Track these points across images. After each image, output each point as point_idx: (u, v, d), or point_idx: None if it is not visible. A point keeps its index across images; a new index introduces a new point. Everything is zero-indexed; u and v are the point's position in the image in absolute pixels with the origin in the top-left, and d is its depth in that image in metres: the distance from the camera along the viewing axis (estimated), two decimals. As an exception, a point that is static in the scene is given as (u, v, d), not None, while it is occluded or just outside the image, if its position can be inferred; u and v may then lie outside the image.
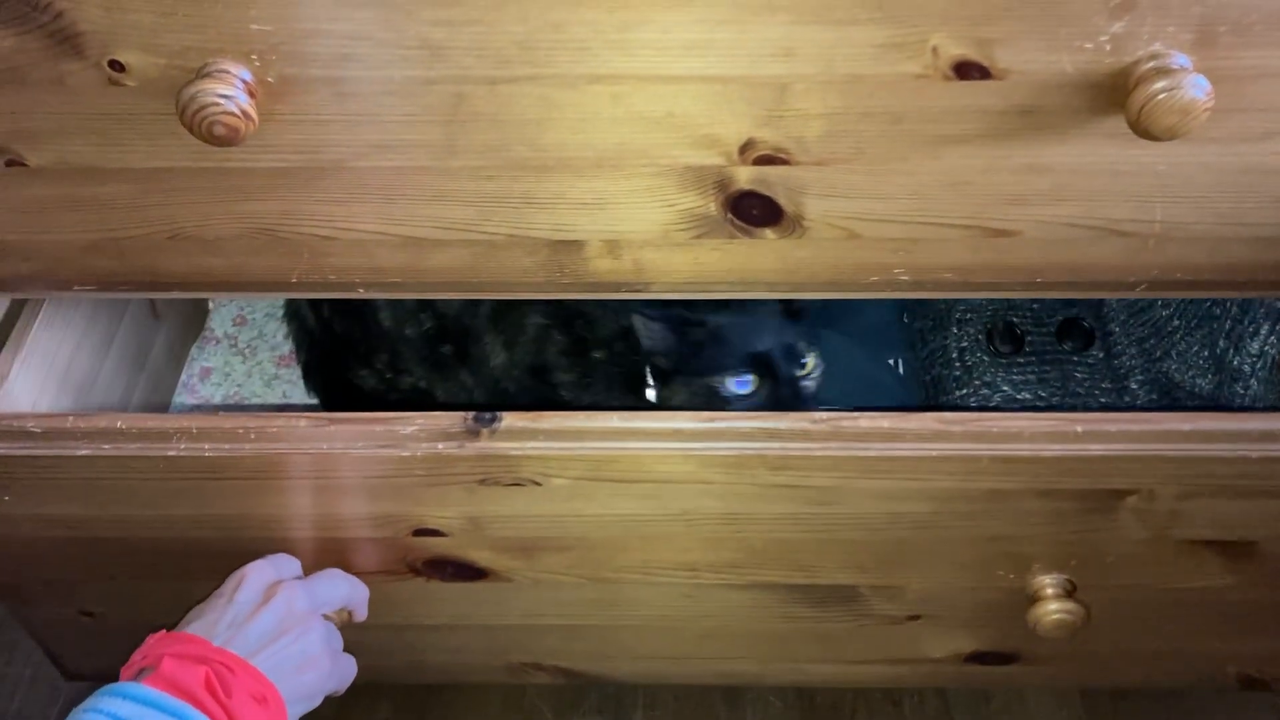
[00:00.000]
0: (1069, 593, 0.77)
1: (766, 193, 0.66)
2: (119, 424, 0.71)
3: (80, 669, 0.93)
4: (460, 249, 0.70)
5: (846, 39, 0.58)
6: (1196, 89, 0.56)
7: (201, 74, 0.59)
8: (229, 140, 0.59)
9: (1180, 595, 0.79)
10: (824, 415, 0.70)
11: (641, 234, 0.68)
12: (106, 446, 0.71)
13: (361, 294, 0.73)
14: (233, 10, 0.58)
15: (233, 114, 0.58)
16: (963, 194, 0.65)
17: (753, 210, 0.67)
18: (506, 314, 0.93)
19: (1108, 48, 0.58)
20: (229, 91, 0.58)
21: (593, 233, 0.69)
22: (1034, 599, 0.77)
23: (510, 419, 0.70)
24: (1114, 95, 0.59)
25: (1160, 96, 0.56)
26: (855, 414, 0.70)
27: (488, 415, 0.70)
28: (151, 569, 0.80)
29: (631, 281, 0.72)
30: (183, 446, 0.71)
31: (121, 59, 0.60)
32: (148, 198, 0.67)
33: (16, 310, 0.84)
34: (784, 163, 0.64)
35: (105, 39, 0.59)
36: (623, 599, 0.81)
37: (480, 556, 0.77)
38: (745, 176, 0.65)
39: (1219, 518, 0.73)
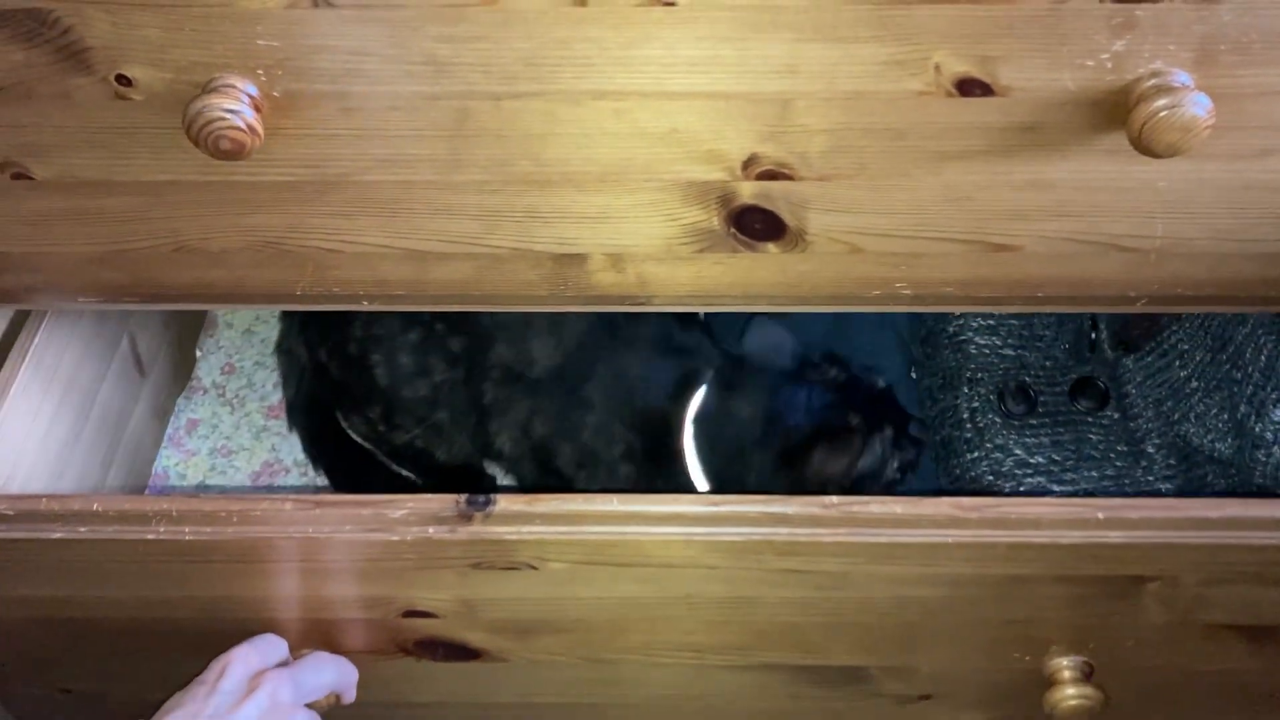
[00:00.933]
0: (1087, 675, 0.74)
1: (769, 207, 0.66)
2: (95, 506, 0.68)
3: (57, 748, 0.91)
4: (464, 262, 0.70)
5: (849, 56, 0.59)
6: (1197, 106, 0.56)
7: (208, 89, 0.59)
8: (235, 154, 0.59)
9: (1202, 678, 0.77)
10: (835, 500, 0.68)
11: (645, 248, 0.69)
12: (82, 529, 0.68)
13: (365, 306, 0.73)
14: (240, 26, 0.58)
15: (239, 128, 0.58)
16: (964, 209, 0.66)
17: (755, 224, 0.67)
18: (509, 408, 0.90)
19: (1109, 65, 0.58)
20: (235, 106, 0.58)
21: (596, 246, 0.69)
22: (1050, 681, 0.75)
23: (505, 502, 0.68)
24: (1115, 112, 0.59)
25: (1162, 114, 0.56)
26: (866, 498, 0.68)
27: (481, 498, 0.68)
28: (131, 648, 0.78)
29: (635, 295, 0.72)
30: (162, 530, 0.68)
31: (129, 73, 0.60)
32: (153, 211, 0.68)
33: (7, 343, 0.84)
34: (787, 178, 0.64)
35: (113, 54, 0.59)
36: (623, 679, 0.79)
37: (473, 638, 0.75)
38: (748, 191, 0.65)
39: (1245, 603, 0.71)
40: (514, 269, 0.70)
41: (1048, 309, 0.72)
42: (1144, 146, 0.57)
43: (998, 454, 0.92)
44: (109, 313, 0.94)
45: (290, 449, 1.07)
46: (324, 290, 0.72)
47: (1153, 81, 0.58)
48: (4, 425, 0.80)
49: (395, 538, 0.68)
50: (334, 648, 0.76)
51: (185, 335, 1.13)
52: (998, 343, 0.96)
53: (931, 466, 0.97)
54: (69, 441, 0.90)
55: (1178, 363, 0.90)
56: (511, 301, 0.73)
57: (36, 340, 0.83)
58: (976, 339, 0.96)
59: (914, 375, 1.01)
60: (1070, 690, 0.74)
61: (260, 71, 0.60)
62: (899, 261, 0.69)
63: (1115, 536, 0.67)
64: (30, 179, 0.66)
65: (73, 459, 0.90)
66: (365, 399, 0.96)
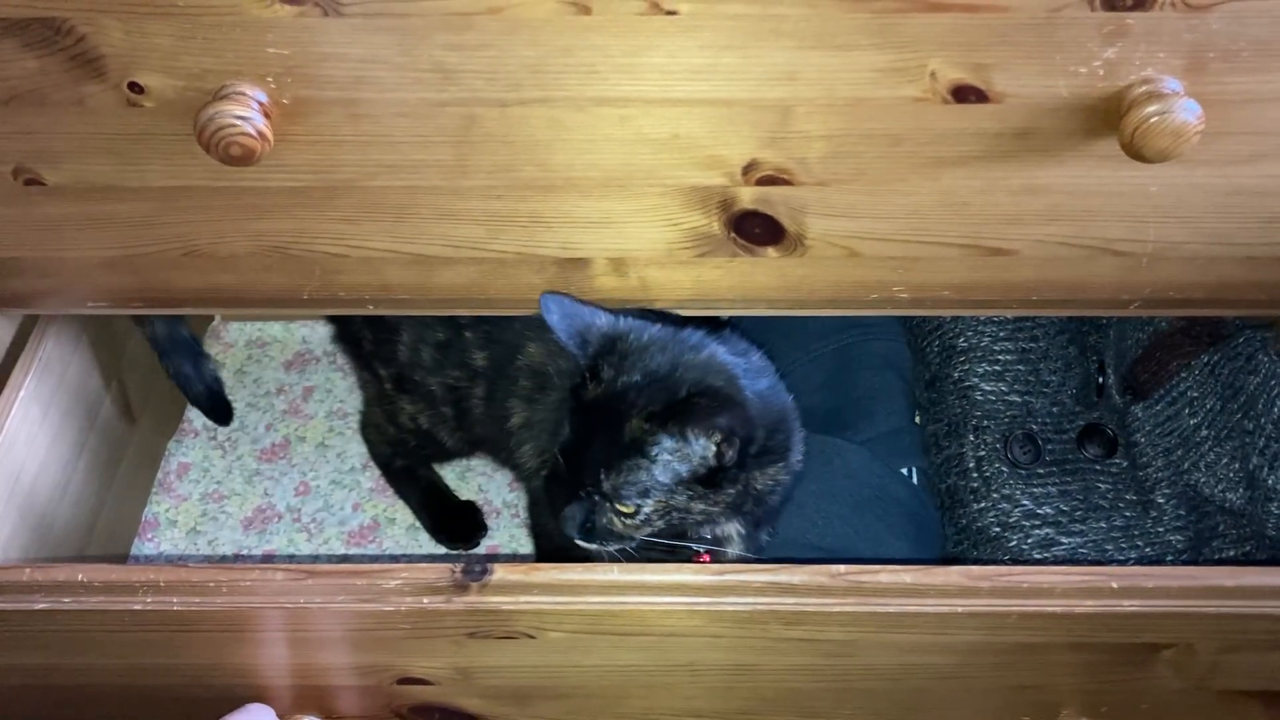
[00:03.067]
0: None
1: (769, 212, 0.67)
2: (80, 576, 0.66)
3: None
4: (469, 267, 0.71)
5: (848, 63, 0.60)
6: (1187, 112, 0.57)
7: (219, 96, 0.60)
8: (245, 160, 0.60)
9: None
10: (842, 569, 0.66)
11: (646, 252, 0.70)
12: (66, 600, 0.66)
13: (371, 310, 0.74)
14: (250, 34, 0.59)
15: (249, 135, 0.60)
16: (960, 214, 0.67)
17: (755, 229, 0.68)
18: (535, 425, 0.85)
19: (1101, 73, 0.59)
20: (245, 113, 0.60)
21: (599, 251, 0.70)
22: None
23: (502, 571, 0.66)
24: (1107, 119, 0.61)
25: (1152, 120, 0.57)
26: (875, 568, 0.66)
27: (477, 568, 0.66)
28: (118, 714, 0.76)
29: (636, 299, 0.73)
30: (149, 600, 0.66)
31: (141, 81, 0.61)
32: (163, 216, 0.69)
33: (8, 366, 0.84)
34: (786, 183, 0.66)
35: (125, 62, 0.61)
36: None
37: (470, 704, 0.74)
38: (748, 196, 0.67)
39: (1263, 669, 0.69)
40: (518, 273, 0.71)
41: (1043, 312, 0.73)
42: (1135, 152, 0.59)
43: (1005, 504, 0.90)
44: (105, 338, 0.94)
45: (283, 493, 1.07)
46: (330, 295, 0.73)
47: (1144, 88, 0.59)
48: (11, 429, 0.81)
49: (389, 608, 0.67)
50: (327, 713, 0.75)
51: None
52: (1004, 389, 0.94)
53: (937, 517, 0.95)
54: (76, 449, 0.90)
55: (1187, 410, 0.88)
56: (515, 305, 0.74)
57: (45, 346, 0.84)
58: (982, 385, 0.94)
59: (918, 420, 0.99)
60: (1081, 757, 0.71)
61: (270, 79, 0.61)
62: (896, 265, 0.70)
63: (1130, 605, 0.65)
64: (43, 185, 0.67)
65: (78, 466, 0.91)
66: (383, 359, 0.94)
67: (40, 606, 0.67)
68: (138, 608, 0.67)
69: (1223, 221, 0.67)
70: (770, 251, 0.70)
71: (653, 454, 0.69)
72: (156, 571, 0.67)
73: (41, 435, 0.85)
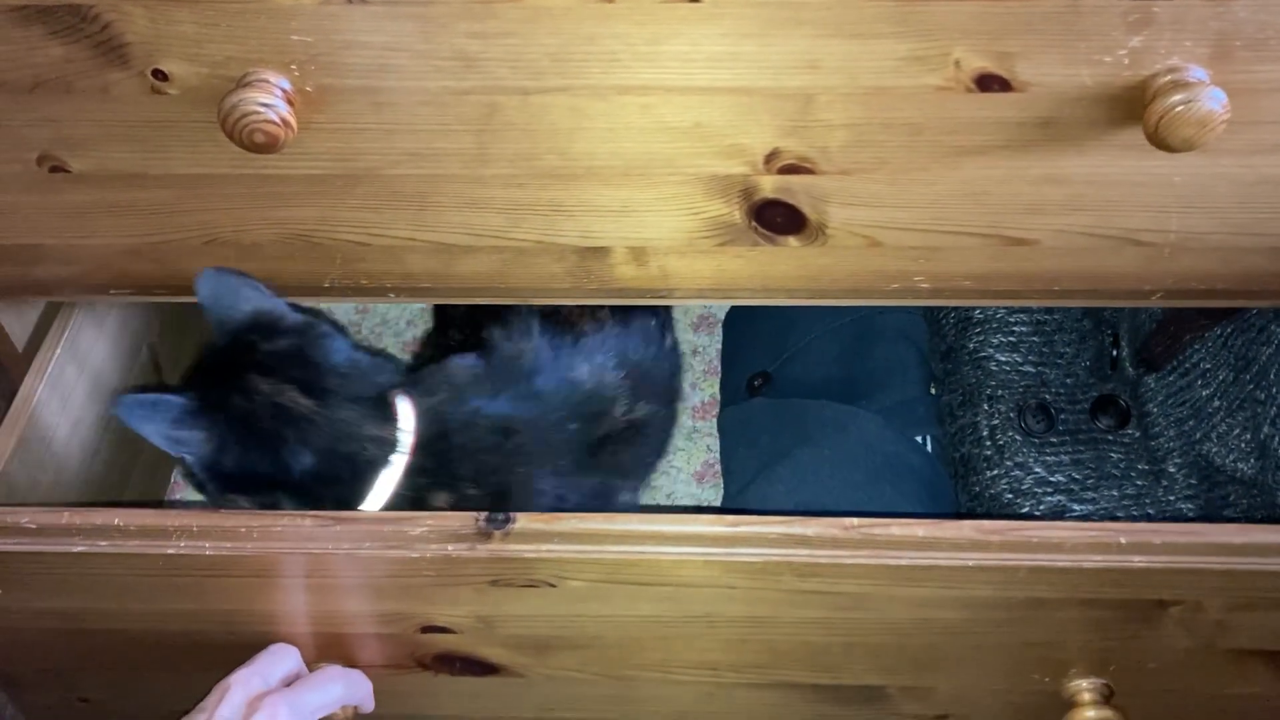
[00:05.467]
0: (1107, 698, 0.73)
1: (790, 201, 0.67)
2: (116, 520, 0.68)
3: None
4: (490, 255, 0.71)
5: (870, 51, 0.60)
6: (1213, 101, 0.57)
7: (242, 83, 0.61)
8: (269, 148, 0.60)
9: (1225, 702, 0.75)
10: (855, 522, 0.66)
11: (667, 241, 0.70)
12: (103, 543, 0.68)
13: (392, 299, 0.75)
14: (274, 21, 0.59)
15: (273, 122, 0.60)
16: (982, 203, 0.67)
17: (777, 218, 0.68)
18: None
19: (1126, 61, 0.59)
20: (269, 100, 0.60)
21: (619, 240, 0.70)
22: (1070, 704, 0.73)
23: (524, 520, 0.68)
24: (1132, 108, 0.60)
25: (1178, 109, 0.57)
26: (888, 520, 0.67)
27: (500, 517, 0.68)
28: (149, 660, 0.78)
29: (656, 288, 0.73)
30: (183, 544, 0.68)
31: (165, 68, 0.62)
32: (187, 203, 0.69)
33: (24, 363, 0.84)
34: (808, 172, 0.65)
35: (150, 49, 0.61)
36: (639, 696, 0.78)
37: (491, 653, 0.75)
38: (770, 185, 0.66)
39: (1269, 629, 0.70)
40: (538, 262, 0.72)
41: (1064, 303, 0.73)
42: (1160, 141, 0.58)
43: (1018, 472, 0.91)
44: (131, 321, 0.95)
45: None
46: (352, 283, 0.73)
47: (1169, 77, 0.59)
48: (35, 417, 0.81)
49: (414, 554, 0.68)
50: (351, 661, 0.76)
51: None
52: (1018, 360, 0.95)
53: (950, 484, 0.95)
54: (98, 436, 0.91)
55: (1200, 381, 0.88)
56: (535, 295, 0.74)
57: (68, 333, 0.84)
58: (997, 356, 0.95)
59: (934, 391, 1.00)
60: (1090, 713, 0.73)
61: (293, 66, 0.61)
62: (917, 255, 0.70)
63: (1138, 561, 0.66)
64: (67, 172, 0.68)
65: (99, 452, 0.92)
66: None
67: (78, 549, 0.69)
68: (171, 552, 0.68)
69: (1247, 212, 0.66)
70: (791, 241, 0.69)
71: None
72: (191, 516, 0.69)
73: (63, 422, 0.86)
